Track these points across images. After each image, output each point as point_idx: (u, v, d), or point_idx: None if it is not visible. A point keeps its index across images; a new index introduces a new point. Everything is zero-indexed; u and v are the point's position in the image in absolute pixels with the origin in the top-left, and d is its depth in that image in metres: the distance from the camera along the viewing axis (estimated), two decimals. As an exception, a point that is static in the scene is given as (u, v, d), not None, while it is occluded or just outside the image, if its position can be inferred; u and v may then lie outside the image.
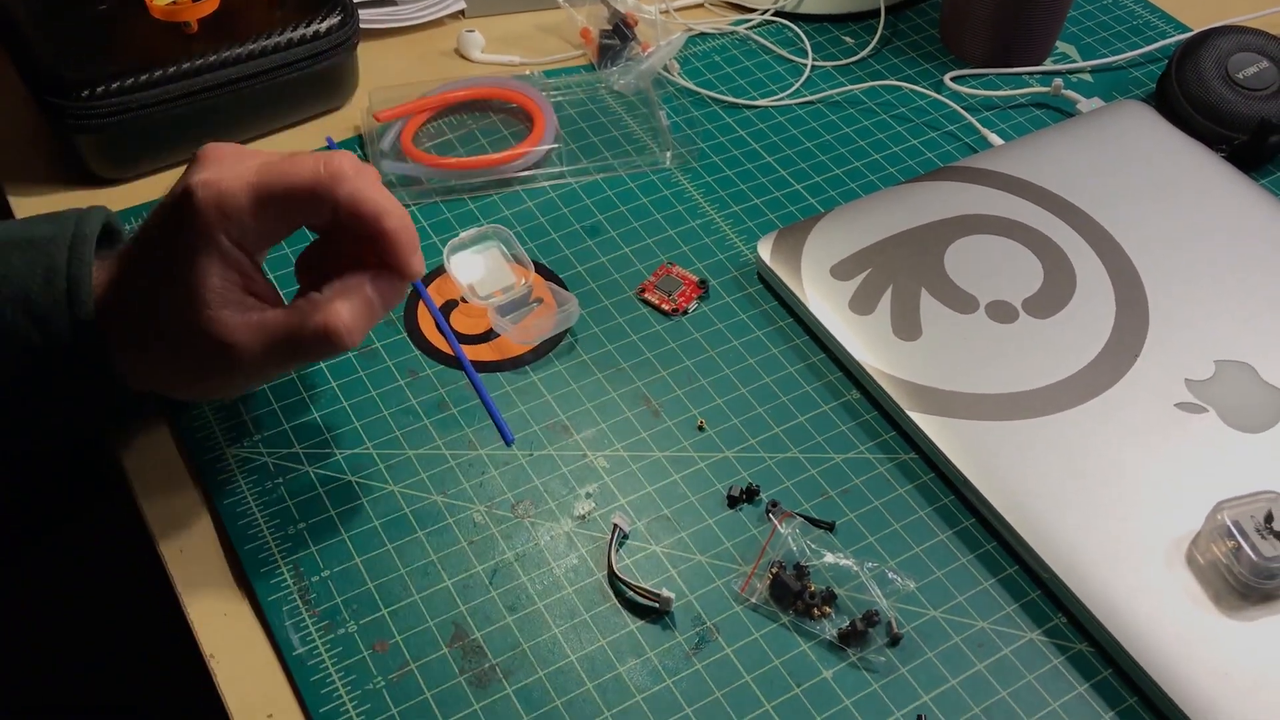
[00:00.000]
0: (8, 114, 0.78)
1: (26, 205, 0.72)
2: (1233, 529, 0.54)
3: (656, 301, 0.68)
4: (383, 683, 0.52)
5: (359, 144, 0.76)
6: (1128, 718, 0.52)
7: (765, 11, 0.87)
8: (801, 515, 0.58)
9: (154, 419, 0.62)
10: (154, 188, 0.73)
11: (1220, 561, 0.54)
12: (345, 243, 0.55)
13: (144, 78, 0.69)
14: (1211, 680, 0.51)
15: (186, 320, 0.51)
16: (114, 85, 0.69)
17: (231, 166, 0.52)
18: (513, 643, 0.54)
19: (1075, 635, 0.55)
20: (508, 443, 0.61)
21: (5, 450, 0.59)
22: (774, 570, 0.55)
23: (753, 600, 0.55)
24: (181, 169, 0.73)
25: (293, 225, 0.54)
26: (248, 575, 0.55)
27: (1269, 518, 0.54)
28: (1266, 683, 0.51)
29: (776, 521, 0.57)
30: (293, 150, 0.54)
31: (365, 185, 0.52)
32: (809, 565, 0.56)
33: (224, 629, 0.54)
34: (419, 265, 0.54)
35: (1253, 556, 0.53)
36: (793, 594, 0.55)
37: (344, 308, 0.52)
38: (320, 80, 0.76)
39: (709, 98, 0.81)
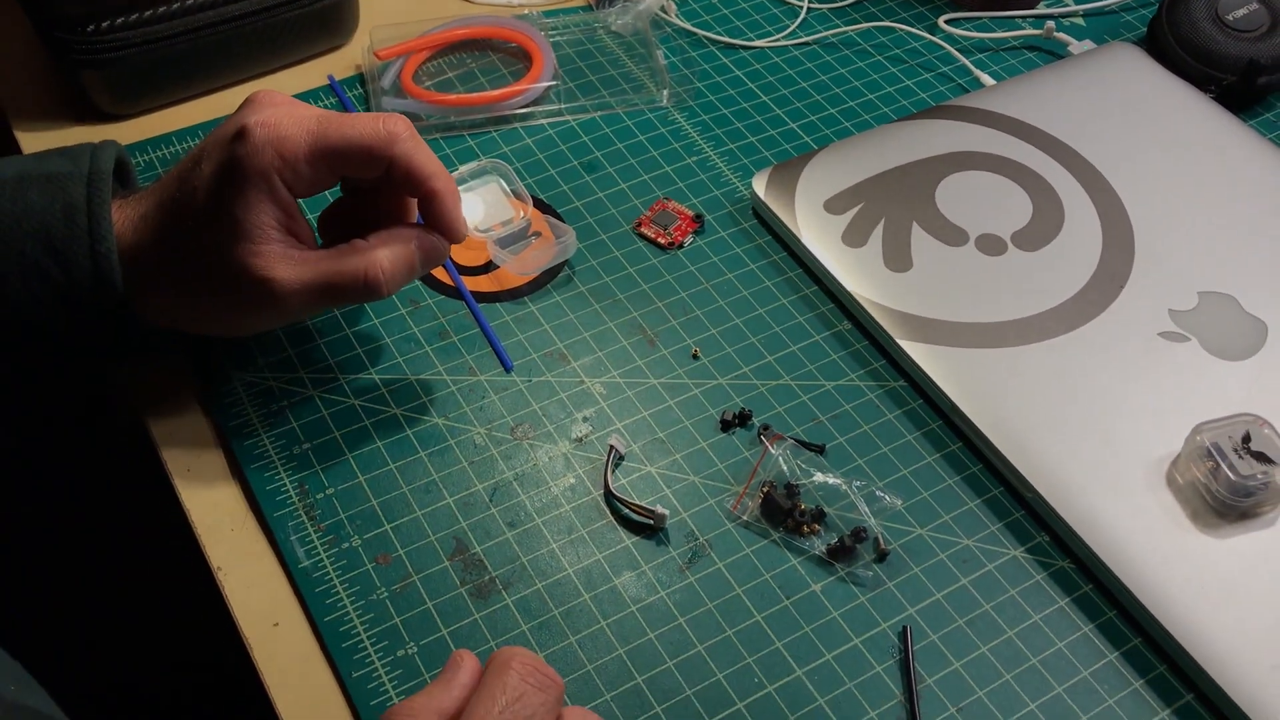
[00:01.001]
0: (14, 51, 0.78)
1: (33, 141, 0.73)
2: (1211, 450, 0.55)
3: (652, 235, 0.69)
4: (386, 594, 0.54)
5: (360, 81, 0.77)
6: (1107, 630, 0.54)
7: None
8: (793, 439, 0.60)
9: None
10: (159, 123, 0.74)
11: (1199, 481, 0.56)
12: (381, 202, 0.58)
13: (149, 13, 0.70)
14: (1187, 593, 0.53)
15: (232, 256, 0.53)
16: (119, 20, 0.69)
17: (288, 112, 0.54)
18: (511, 556, 0.55)
19: (1057, 553, 0.56)
20: (507, 369, 0.63)
21: (18, 378, 0.60)
22: (765, 489, 0.57)
23: (744, 518, 0.57)
24: (186, 104, 0.75)
25: (339, 177, 0.56)
26: (254, 492, 0.57)
27: (1246, 438, 0.56)
28: (1238, 594, 0.53)
29: (768, 443, 0.59)
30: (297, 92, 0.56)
31: (418, 147, 0.55)
32: (799, 485, 0.57)
33: (231, 543, 0.56)
34: (464, 228, 0.57)
35: (1230, 475, 0.54)
36: (783, 512, 0.56)
37: (385, 256, 0.55)
38: (322, 18, 0.77)
39: (706, 38, 0.82)
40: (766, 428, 0.60)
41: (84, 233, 0.53)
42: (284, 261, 0.54)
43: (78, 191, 0.54)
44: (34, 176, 0.54)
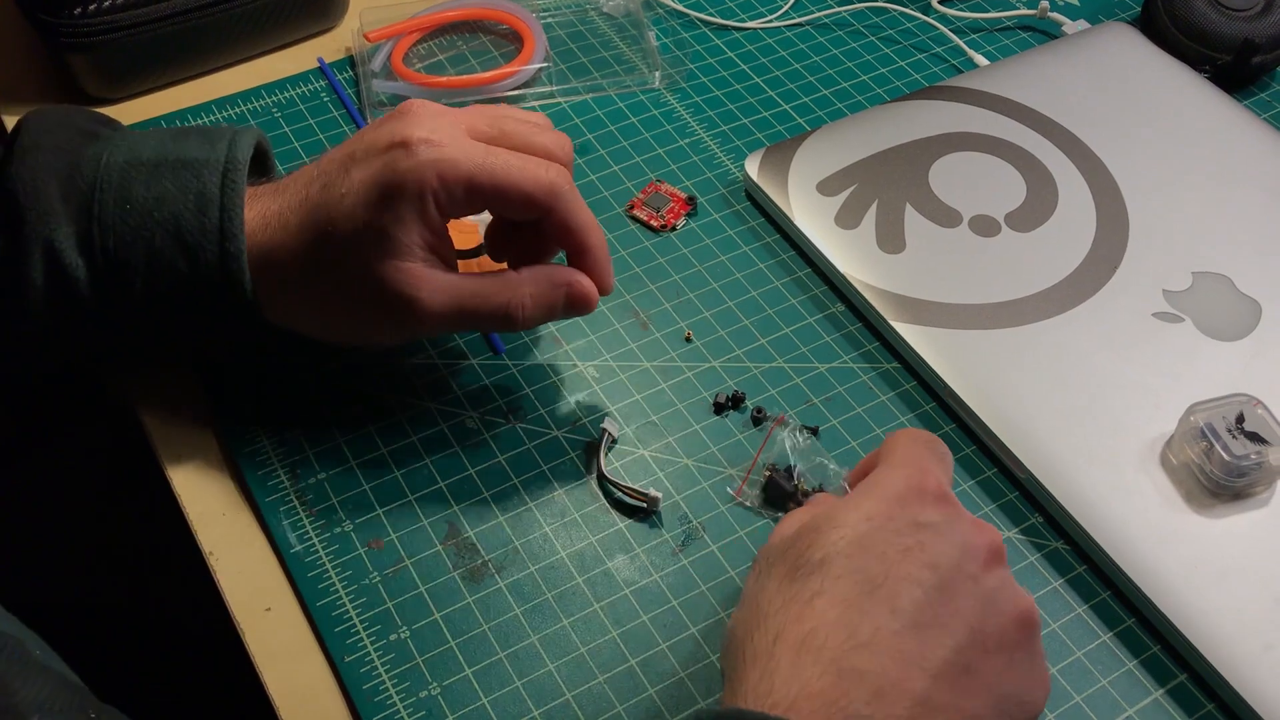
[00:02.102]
0: (1, 34, 0.78)
1: (20, 125, 0.73)
2: (1205, 431, 0.55)
3: (645, 218, 0.69)
4: (378, 578, 0.54)
5: (350, 64, 0.77)
6: (1101, 611, 0.54)
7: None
8: (795, 421, 0.59)
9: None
10: (147, 107, 0.74)
11: (1193, 462, 0.56)
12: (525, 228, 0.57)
13: (135, -5, 0.69)
14: (1181, 573, 0.53)
15: (376, 269, 0.52)
16: (105, 3, 0.69)
17: (452, 133, 0.52)
18: (505, 540, 0.55)
19: (1051, 534, 0.56)
20: (499, 353, 0.62)
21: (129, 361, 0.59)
22: (768, 473, 0.57)
23: (748, 504, 0.56)
24: (174, 87, 0.75)
25: (487, 209, 0.54)
26: (245, 477, 0.57)
27: (1240, 418, 0.56)
28: (1231, 574, 0.53)
29: (773, 424, 0.59)
30: (479, 105, 0.56)
31: (576, 200, 0.54)
32: (800, 469, 0.57)
33: (222, 528, 0.56)
34: (612, 282, 0.57)
35: (1224, 456, 0.54)
36: (785, 495, 0.56)
37: (530, 295, 0.54)
38: (311, 0, 0.76)
39: (698, 19, 0.81)
40: (761, 410, 0.60)
41: (215, 228, 0.52)
42: (428, 281, 0.52)
43: (212, 182, 0.53)
44: (170, 161, 0.53)
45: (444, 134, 0.52)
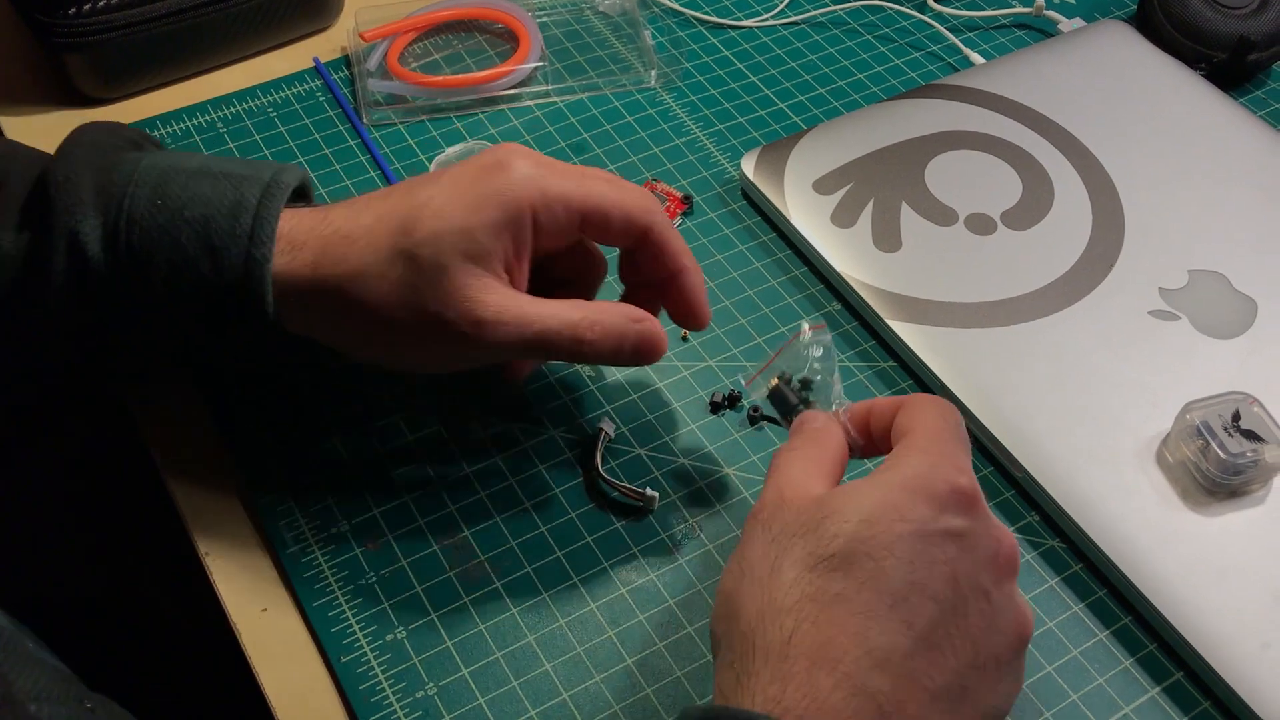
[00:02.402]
0: (-5, 35, 0.78)
1: (16, 125, 0.73)
2: (1201, 429, 0.55)
3: (641, 217, 0.69)
4: (374, 578, 0.54)
5: (345, 64, 0.77)
6: (1097, 609, 0.54)
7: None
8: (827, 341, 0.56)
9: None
10: (144, 107, 0.74)
11: (1189, 460, 0.56)
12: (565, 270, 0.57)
13: (130, -5, 0.69)
14: (1177, 572, 0.53)
15: (446, 271, 0.49)
16: (101, 3, 0.69)
17: (543, 157, 0.52)
18: (501, 540, 0.55)
19: (1047, 532, 0.56)
20: (495, 353, 0.62)
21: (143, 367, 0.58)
22: (775, 381, 0.53)
23: (752, 398, 0.54)
24: (170, 87, 0.75)
25: (578, 234, 0.53)
26: (241, 478, 0.57)
27: (1236, 416, 0.56)
28: (1227, 572, 0.53)
29: (805, 329, 0.54)
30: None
31: (672, 228, 0.54)
32: (813, 381, 0.53)
33: (219, 528, 0.55)
34: (708, 314, 0.55)
35: (1220, 454, 0.54)
36: (790, 406, 0.53)
37: (601, 325, 0.51)
38: (306, 0, 0.76)
39: (694, 18, 0.81)
40: (757, 409, 0.60)
41: (245, 233, 0.50)
42: (499, 293, 0.50)
43: (250, 192, 0.51)
44: (213, 171, 0.52)
45: (540, 158, 0.52)
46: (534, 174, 0.51)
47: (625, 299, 0.58)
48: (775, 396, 0.53)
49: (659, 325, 0.53)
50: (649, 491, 0.56)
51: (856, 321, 0.64)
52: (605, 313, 0.52)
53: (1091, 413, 0.58)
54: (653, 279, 0.55)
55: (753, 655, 0.41)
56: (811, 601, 0.41)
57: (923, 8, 0.82)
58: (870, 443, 0.50)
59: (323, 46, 0.78)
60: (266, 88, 0.75)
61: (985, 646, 0.42)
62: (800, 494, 0.44)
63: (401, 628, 0.52)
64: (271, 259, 0.50)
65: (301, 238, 0.51)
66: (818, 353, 0.53)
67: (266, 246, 0.50)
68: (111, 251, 0.50)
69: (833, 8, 0.82)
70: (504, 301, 0.50)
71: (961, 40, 0.80)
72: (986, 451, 0.59)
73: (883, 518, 0.42)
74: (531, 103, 0.75)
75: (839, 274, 0.64)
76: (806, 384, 0.53)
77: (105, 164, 0.52)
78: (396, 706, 0.50)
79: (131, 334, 0.53)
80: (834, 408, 0.51)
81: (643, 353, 0.52)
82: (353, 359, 0.54)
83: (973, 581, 0.42)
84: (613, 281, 0.59)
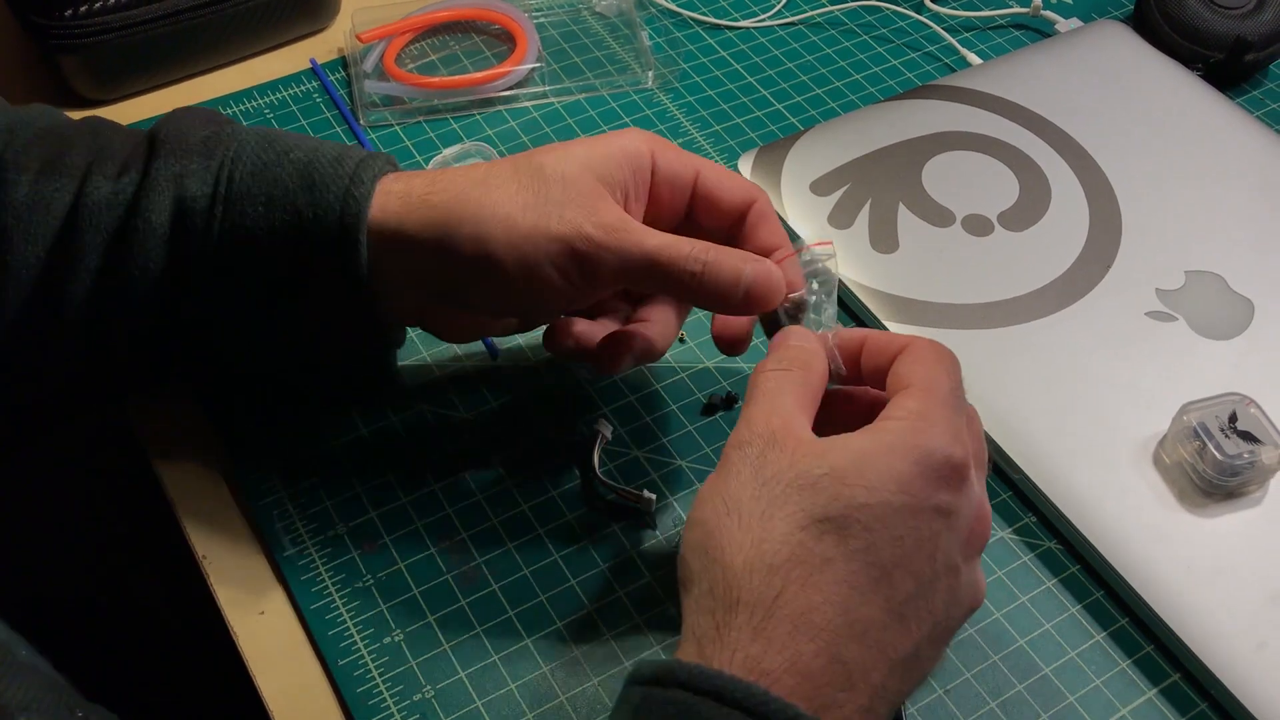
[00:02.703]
0: (-9, 37, 0.78)
1: (12, 126, 0.72)
2: (1198, 430, 0.55)
3: (638, 218, 0.69)
4: (372, 580, 0.54)
5: (343, 65, 0.77)
6: (1094, 610, 0.54)
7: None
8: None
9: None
10: (140, 109, 0.74)
11: (1186, 461, 0.56)
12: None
13: (126, -4, 0.69)
14: (1174, 573, 0.53)
15: (561, 193, 0.49)
16: (97, 4, 0.69)
17: None
18: (498, 542, 0.55)
19: (1045, 534, 0.56)
20: (493, 355, 0.62)
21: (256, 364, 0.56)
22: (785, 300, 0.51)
23: None
24: (167, 89, 0.75)
25: (685, 202, 0.53)
26: (238, 480, 0.57)
27: (1233, 418, 0.56)
28: (1224, 574, 0.53)
29: (809, 244, 0.52)
30: None
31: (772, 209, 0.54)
32: (806, 303, 0.51)
33: (215, 530, 0.55)
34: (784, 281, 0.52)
35: (1217, 455, 0.54)
36: (778, 327, 0.50)
37: (712, 261, 0.49)
38: (303, 0, 0.76)
39: (690, 19, 0.81)
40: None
41: (346, 174, 0.50)
42: (619, 211, 0.50)
43: (359, 150, 0.52)
44: (325, 140, 0.53)
45: None
46: (656, 138, 0.52)
47: None
48: (763, 316, 0.51)
49: (775, 269, 0.50)
50: (646, 494, 0.56)
51: (854, 323, 0.64)
52: (720, 250, 0.50)
53: (1088, 414, 0.58)
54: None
55: (736, 609, 0.40)
56: (801, 564, 0.41)
57: (920, 8, 0.82)
58: (856, 375, 0.49)
59: (319, 48, 0.78)
60: (263, 89, 0.75)
61: (944, 619, 0.43)
62: (792, 434, 0.44)
63: (399, 630, 0.52)
64: (370, 200, 0.50)
65: (408, 185, 0.51)
66: (819, 270, 0.51)
67: (366, 187, 0.50)
68: (213, 186, 0.50)
69: (829, 8, 0.82)
70: (624, 217, 0.50)
71: (959, 40, 0.80)
72: (984, 453, 0.59)
73: (881, 487, 0.42)
74: (529, 104, 0.75)
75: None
76: (800, 305, 0.51)
77: (213, 123, 0.53)
78: (394, 709, 0.50)
79: (216, 299, 0.52)
80: (828, 334, 0.49)
81: (754, 296, 0.50)
82: (447, 303, 0.53)
83: (948, 559, 0.43)
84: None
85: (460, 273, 0.50)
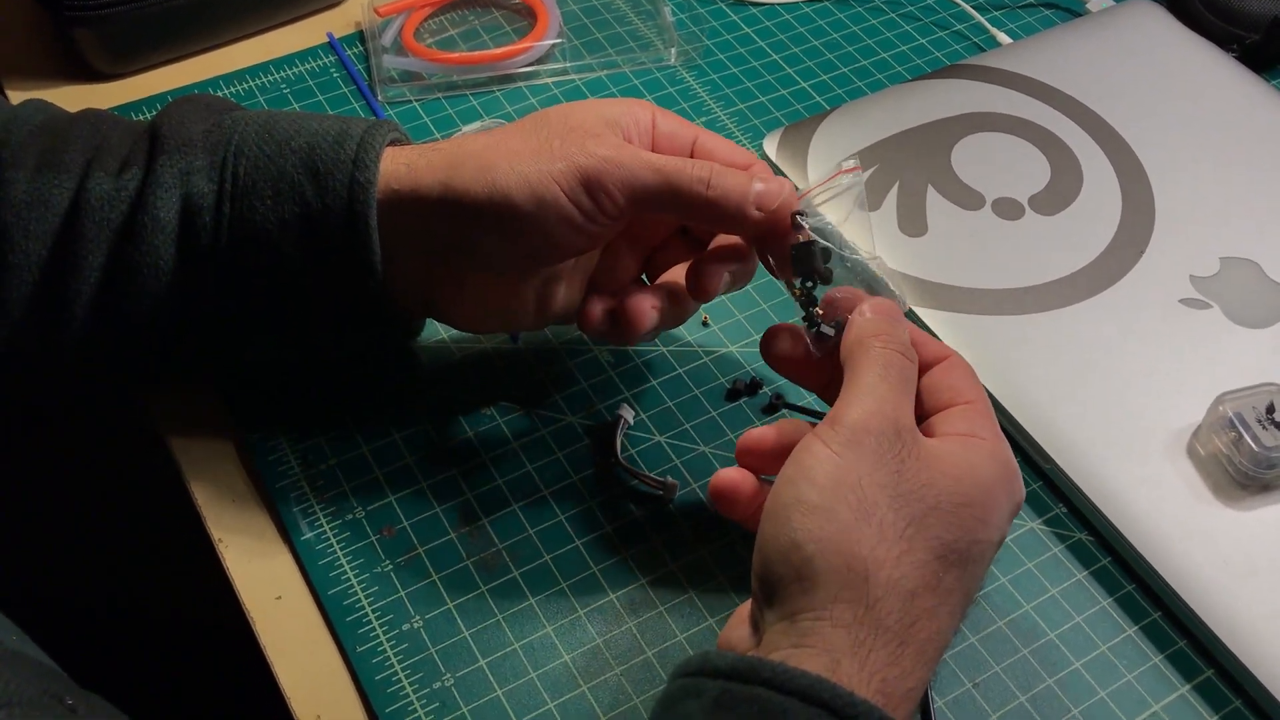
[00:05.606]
0: (6, 9, 0.76)
1: (25, 100, 0.71)
2: (1234, 420, 0.54)
3: (661, 198, 0.67)
4: (390, 566, 0.53)
5: (360, 39, 0.75)
6: (1126, 604, 0.53)
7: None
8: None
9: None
10: (153, 83, 0.73)
11: (1221, 453, 0.54)
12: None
13: (141, -32, 0.68)
14: (1208, 566, 0.52)
15: (570, 133, 0.50)
16: (111, -24, 0.68)
17: None
18: (519, 528, 0.54)
19: (1076, 525, 0.55)
20: (514, 340, 0.61)
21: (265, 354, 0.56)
22: (806, 235, 0.51)
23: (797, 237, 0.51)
24: (181, 62, 0.74)
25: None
26: (256, 464, 0.56)
27: (1270, 408, 0.54)
28: (1260, 568, 0.52)
29: (851, 166, 0.52)
30: None
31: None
32: (835, 254, 0.51)
33: (232, 515, 0.55)
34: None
35: (1254, 446, 0.53)
36: (808, 269, 0.50)
37: (719, 179, 0.50)
38: (320, -26, 0.75)
39: (715, -5, 0.80)
40: (779, 396, 0.59)
41: (349, 159, 0.50)
42: (629, 146, 0.50)
43: (357, 125, 0.51)
44: (320, 115, 0.53)
45: None
46: (653, 108, 0.53)
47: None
48: (801, 250, 0.51)
49: (786, 181, 0.51)
50: (669, 480, 0.55)
51: (880, 307, 0.63)
52: (726, 168, 0.50)
53: (1121, 403, 0.57)
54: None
55: (879, 632, 0.41)
56: (932, 592, 0.42)
57: (948, -15, 0.81)
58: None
59: (337, 21, 0.77)
60: (280, 63, 0.74)
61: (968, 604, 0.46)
62: (918, 438, 0.45)
63: (418, 617, 0.51)
64: (376, 183, 0.50)
65: (413, 156, 0.51)
66: (856, 194, 0.52)
67: (371, 170, 0.50)
68: (218, 182, 0.50)
69: (856, -15, 0.81)
70: (635, 148, 0.50)
71: (988, 19, 0.78)
72: (1014, 442, 0.57)
73: (997, 526, 0.45)
74: (549, 80, 0.74)
75: (863, 258, 0.63)
76: (828, 255, 0.51)
77: (212, 113, 0.53)
78: (413, 697, 0.49)
79: (227, 292, 0.51)
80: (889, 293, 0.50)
81: (765, 205, 0.50)
82: (457, 260, 0.52)
83: (988, 565, 0.47)
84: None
85: (467, 213, 0.49)
